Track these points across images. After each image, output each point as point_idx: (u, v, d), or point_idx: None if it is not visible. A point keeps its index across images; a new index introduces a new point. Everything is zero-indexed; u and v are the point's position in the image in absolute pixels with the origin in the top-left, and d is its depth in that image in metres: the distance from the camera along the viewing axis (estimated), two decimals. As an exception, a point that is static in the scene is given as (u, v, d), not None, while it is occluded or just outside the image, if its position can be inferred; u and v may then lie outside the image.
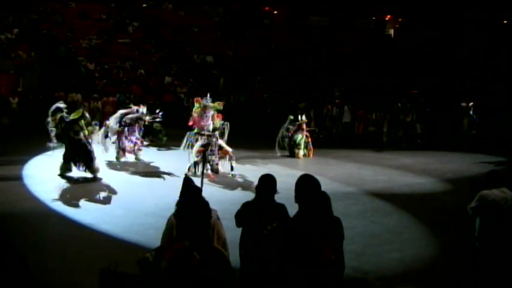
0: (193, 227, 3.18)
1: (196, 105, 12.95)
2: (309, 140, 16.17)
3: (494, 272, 5.47)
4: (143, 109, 14.91)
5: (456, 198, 10.95)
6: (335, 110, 22.88)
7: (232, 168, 12.70)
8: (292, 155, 15.92)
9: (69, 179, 11.79)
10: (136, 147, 14.56)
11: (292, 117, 16.48)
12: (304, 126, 16.13)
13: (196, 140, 12.71)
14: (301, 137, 15.97)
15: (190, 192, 4.36)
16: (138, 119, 14.66)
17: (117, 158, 14.23)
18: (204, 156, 12.16)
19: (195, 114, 12.91)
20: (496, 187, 5.47)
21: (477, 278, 5.69)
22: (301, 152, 15.88)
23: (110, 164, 13.76)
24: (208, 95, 13.21)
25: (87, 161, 11.66)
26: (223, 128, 12.92)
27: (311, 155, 16.10)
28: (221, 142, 12.71)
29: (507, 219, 5.40)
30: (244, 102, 25.16)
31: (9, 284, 6.08)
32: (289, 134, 16.14)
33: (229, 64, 30.02)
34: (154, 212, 8.92)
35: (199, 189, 4.62)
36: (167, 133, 18.07)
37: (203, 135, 12.60)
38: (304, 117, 16.35)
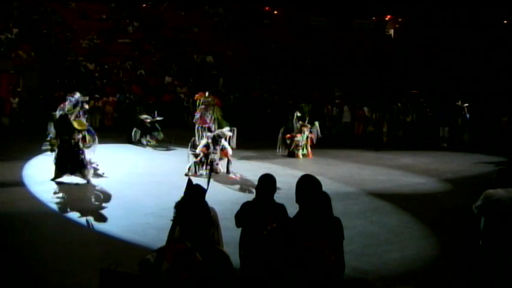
0: (194, 228, 3.17)
1: (197, 102, 13.15)
2: (310, 142, 16.10)
3: (496, 271, 5.48)
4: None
5: (456, 198, 10.96)
6: (335, 110, 22.89)
7: (228, 171, 12.76)
8: (292, 155, 15.89)
9: (69, 180, 11.79)
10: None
11: (299, 114, 16.23)
12: (305, 129, 16.00)
13: (201, 137, 12.80)
14: (302, 139, 15.89)
15: (191, 193, 4.35)
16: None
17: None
18: (206, 157, 12.27)
19: (198, 113, 13.05)
20: (504, 186, 5.47)
21: (479, 277, 5.69)
22: (301, 152, 15.83)
23: (109, 164, 13.75)
24: (207, 93, 13.34)
25: (79, 167, 11.37)
26: (231, 133, 12.93)
27: (310, 156, 16.07)
28: (225, 143, 12.75)
29: (511, 219, 5.40)
30: (239, 99, 25.13)
31: (9, 284, 6.08)
32: (290, 136, 15.97)
33: (229, 64, 30.02)
34: (154, 212, 8.92)
35: (202, 190, 4.61)
36: (167, 133, 18.18)
37: (211, 131, 12.67)
38: (307, 122, 16.13)
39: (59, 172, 11.46)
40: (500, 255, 5.43)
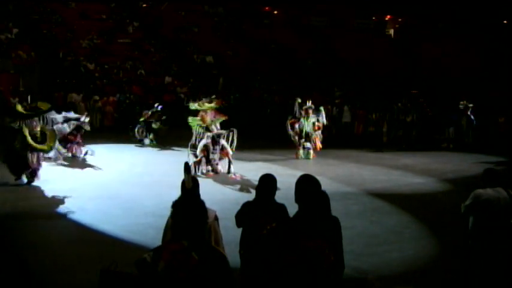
0: (190, 227, 3.17)
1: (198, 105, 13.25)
2: (317, 128, 15.56)
3: (487, 271, 5.49)
4: (86, 118, 14.39)
5: (456, 198, 10.90)
6: (335, 110, 22.88)
7: (229, 171, 12.76)
8: (297, 143, 15.49)
9: (69, 180, 11.82)
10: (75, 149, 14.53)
11: (300, 100, 15.86)
12: (310, 111, 15.47)
13: (202, 137, 12.83)
14: (308, 124, 15.40)
15: (186, 192, 4.35)
16: (79, 128, 14.21)
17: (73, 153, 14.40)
18: (206, 157, 12.32)
19: (202, 113, 13.13)
20: (492, 186, 5.49)
21: (471, 277, 5.70)
22: (301, 152, 15.52)
23: (109, 164, 13.77)
24: (208, 98, 13.57)
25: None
26: (231, 134, 12.95)
27: (318, 148, 15.59)
28: (224, 142, 12.77)
29: (499, 219, 5.42)
30: (239, 99, 25.13)
31: (9, 284, 6.08)
32: (294, 120, 15.50)
33: (229, 64, 30.02)
34: (154, 212, 8.91)
35: (196, 188, 4.61)
36: (167, 133, 18.21)
37: (210, 131, 12.70)
38: (310, 103, 15.63)
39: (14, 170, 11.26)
40: (490, 254, 5.45)
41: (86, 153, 14.64)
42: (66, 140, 13.94)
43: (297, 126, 15.50)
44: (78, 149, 14.58)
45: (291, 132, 15.64)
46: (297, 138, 15.57)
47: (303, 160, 15.50)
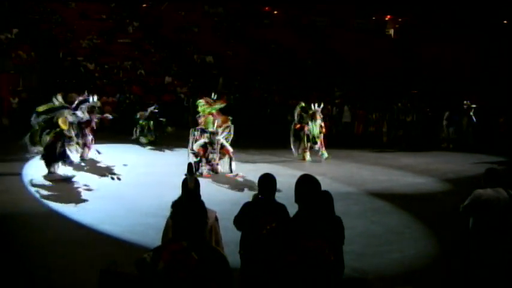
0: (190, 227, 3.17)
1: (202, 103, 13.21)
2: (323, 131, 15.35)
3: (487, 271, 5.48)
4: (94, 97, 15.17)
5: (456, 198, 10.88)
6: (335, 110, 22.88)
7: (231, 170, 12.72)
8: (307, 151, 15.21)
9: (69, 180, 11.81)
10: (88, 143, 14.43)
11: (303, 104, 15.52)
12: (318, 115, 15.18)
13: (199, 136, 12.82)
14: (316, 128, 15.07)
15: (186, 192, 4.36)
16: (92, 108, 14.76)
17: (81, 156, 14.20)
18: (204, 156, 12.29)
19: (201, 114, 13.12)
20: (492, 186, 5.49)
21: (471, 277, 5.70)
22: (308, 156, 15.20)
23: (108, 164, 13.76)
24: (213, 94, 13.56)
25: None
26: (228, 131, 12.97)
27: (323, 148, 15.31)
28: (223, 141, 12.76)
29: (499, 219, 5.42)
30: (239, 99, 25.10)
31: (9, 284, 6.09)
32: (300, 125, 15.14)
33: (229, 64, 30.02)
34: (155, 212, 8.90)
35: (197, 189, 4.62)
36: (167, 133, 18.23)
37: (206, 132, 12.69)
38: (317, 106, 15.32)
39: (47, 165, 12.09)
40: (489, 254, 5.45)
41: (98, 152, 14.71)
42: (83, 131, 14.22)
43: (306, 130, 15.11)
44: (87, 150, 14.51)
45: (293, 145, 15.33)
46: (304, 143, 15.24)
47: (303, 161, 15.44)
